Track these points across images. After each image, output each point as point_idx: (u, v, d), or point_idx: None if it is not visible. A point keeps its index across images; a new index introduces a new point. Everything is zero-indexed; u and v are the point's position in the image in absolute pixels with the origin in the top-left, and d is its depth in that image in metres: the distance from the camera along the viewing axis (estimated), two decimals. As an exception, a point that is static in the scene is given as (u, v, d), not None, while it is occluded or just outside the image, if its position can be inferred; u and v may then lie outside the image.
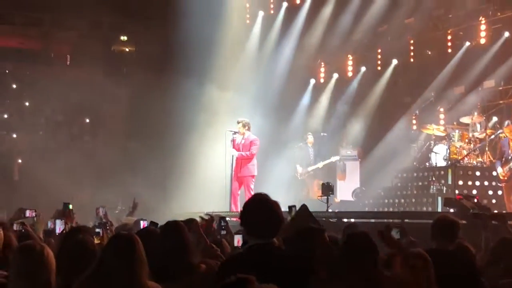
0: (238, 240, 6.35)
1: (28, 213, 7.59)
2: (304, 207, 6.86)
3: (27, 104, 26.62)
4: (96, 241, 5.51)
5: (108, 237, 6.27)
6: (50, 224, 6.93)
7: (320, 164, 17.83)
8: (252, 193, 13.28)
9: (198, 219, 6.70)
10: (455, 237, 5.93)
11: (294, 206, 7.53)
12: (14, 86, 26.73)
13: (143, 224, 7.63)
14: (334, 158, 17.98)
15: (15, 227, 5.58)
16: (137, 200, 19.08)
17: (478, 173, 14.45)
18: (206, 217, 7.24)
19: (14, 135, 25.51)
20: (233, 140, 14.47)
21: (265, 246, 4.20)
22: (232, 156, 14.46)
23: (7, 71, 27.17)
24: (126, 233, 4.40)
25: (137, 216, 11.21)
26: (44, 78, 26.84)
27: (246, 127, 14.53)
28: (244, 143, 14.44)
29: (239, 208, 13.77)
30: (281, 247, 4.49)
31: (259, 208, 4.31)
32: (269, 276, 3.37)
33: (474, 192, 13.65)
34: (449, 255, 5.48)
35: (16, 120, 26.15)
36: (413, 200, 15.23)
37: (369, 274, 4.40)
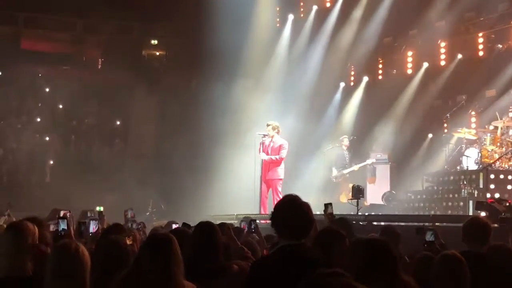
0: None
1: (62, 213, 7.68)
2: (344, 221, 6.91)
3: (59, 107, 26.94)
4: (128, 241, 5.56)
5: (141, 238, 6.33)
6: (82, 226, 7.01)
7: (356, 167, 17.79)
8: (280, 196, 13.27)
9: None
10: (487, 239, 5.83)
11: (330, 203, 7.62)
12: (47, 89, 27.09)
13: (174, 227, 7.67)
14: (369, 161, 17.94)
15: (51, 227, 5.68)
16: (164, 205, 19.25)
17: (510, 177, 14.32)
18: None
19: (47, 138, 25.82)
20: (262, 143, 14.48)
21: (295, 247, 4.20)
22: (262, 159, 14.48)
23: (40, 75, 27.53)
24: (163, 233, 4.46)
25: (168, 219, 11.28)
26: (75, 81, 27.17)
27: (276, 130, 14.50)
28: (273, 146, 14.43)
29: (268, 211, 13.79)
30: (311, 248, 4.48)
31: (290, 209, 4.31)
32: (299, 277, 3.37)
33: (506, 196, 13.50)
34: (482, 258, 5.41)
35: (48, 122, 26.46)
36: (444, 203, 15.10)
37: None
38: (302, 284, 2.43)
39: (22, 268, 4.30)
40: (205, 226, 5.31)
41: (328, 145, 19.00)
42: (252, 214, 12.62)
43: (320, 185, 18.37)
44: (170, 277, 4.12)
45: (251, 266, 4.45)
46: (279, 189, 14.32)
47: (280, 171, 14.56)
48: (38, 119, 26.45)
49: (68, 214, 7.93)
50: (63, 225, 5.75)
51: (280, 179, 14.54)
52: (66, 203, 17.96)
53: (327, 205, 7.76)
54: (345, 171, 17.78)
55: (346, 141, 18.08)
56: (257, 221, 7.54)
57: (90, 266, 4.10)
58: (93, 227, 6.52)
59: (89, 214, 8.84)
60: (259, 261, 4.59)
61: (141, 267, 4.15)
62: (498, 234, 7.00)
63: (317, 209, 12.92)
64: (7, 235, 4.48)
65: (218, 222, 6.73)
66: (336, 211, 8.08)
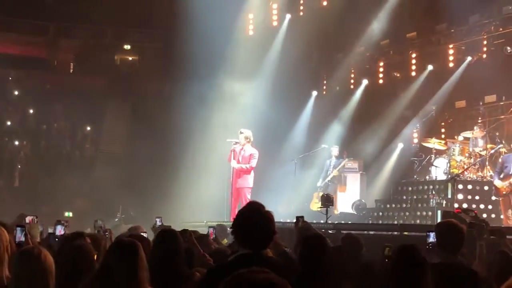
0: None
1: (28, 219, 7.63)
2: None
3: (29, 111, 26.70)
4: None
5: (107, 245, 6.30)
6: (50, 230, 6.98)
7: (335, 171, 17.86)
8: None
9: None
10: (461, 248, 5.55)
11: (302, 216, 7.54)
12: (17, 93, 26.83)
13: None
14: (345, 160, 17.97)
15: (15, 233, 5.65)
16: (134, 211, 19.08)
17: (477, 187, 14.48)
18: None
19: (16, 142, 25.57)
20: (233, 150, 14.48)
21: (253, 256, 4.10)
22: (232, 167, 14.48)
23: (10, 78, 27.27)
24: (129, 239, 4.45)
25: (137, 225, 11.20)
26: (47, 85, 26.97)
27: (247, 140, 14.50)
28: (243, 155, 14.43)
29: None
30: (271, 257, 4.42)
31: (250, 218, 4.21)
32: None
33: (474, 206, 13.66)
34: (458, 269, 5.21)
35: (18, 127, 26.22)
36: (413, 213, 15.23)
37: None
38: (221, 283, 2.41)
39: None
40: (166, 233, 5.28)
41: (298, 153, 19.08)
42: (224, 222, 12.62)
43: (290, 193, 18.42)
44: (136, 282, 4.11)
45: (206, 273, 4.38)
46: (248, 197, 14.33)
47: (250, 179, 14.58)
48: (8, 123, 26.20)
49: (35, 220, 7.88)
50: (19, 234, 5.69)
51: (250, 188, 14.57)
52: (35, 208, 17.83)
53: (299, 218, 7.60)
54: (327, 179, 17.87)
55: (335, 151, 18.09)
56: (230, 229, 7.51)
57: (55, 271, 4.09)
58: (59, 230, 6.49)
59: (63, 222, 8.79)
60: (213, 269, 4.54)
61: (107, 272, 4.14)
62: (468, 242, 7.00)
63: (288, 217, 12.98)
64: None
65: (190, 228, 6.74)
66: (306, 219, 8.04)
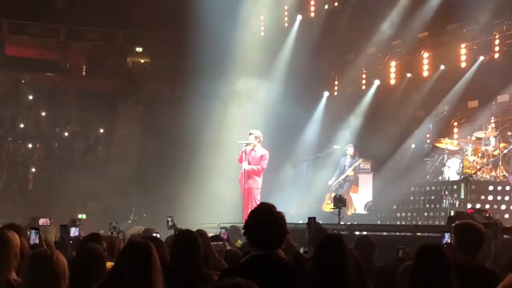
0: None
1: (41, 221, 7.67)
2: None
3: (42, 114, 26.84)
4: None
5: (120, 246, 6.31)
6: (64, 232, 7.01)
7: (349, 170, 17.73)
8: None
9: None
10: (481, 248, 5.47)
11: (314, 217, 7.54)
12: (30, 96, 26.98)
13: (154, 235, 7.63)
14: (359, 162, 17.85)
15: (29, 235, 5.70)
16: (146, 213, 19.11)
17: (491, 188, 14.39)
18: None
19: (30, 145, 25.70)
20: (244, 152, 14.45)
21: (265, 257, 4.12)
22: (244, 168, 14.48)
23: (23, 81, 27.43)
24: (142, 241, 4.43)
25: (150, 227, 11.24)
26: (59, 88, 27.10)
27: (258, 140, 14.48)
28: (254, 156, 14.41)
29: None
30: (283, 258, 4.42)
31: (262, 219, 4.23)
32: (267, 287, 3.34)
33: (487, 206, 13.59)
34: (479, 269, 5.17)
35: (31, 129, 26.35)
36: (425, 214, 15.18)
37: None
38: None
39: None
40: (187, 235, 5.26)
41: (310, 154, 19.06)
42: (237, 223, 12.62)
43: (302, 194, 18.39)
44: (149, 284, 4.10)
45: (220, 274, 4.39)
46: (258, 197, 14.33)
47: (259, 180, 14.57)
48: (22, 126, 26.34)
49: (49, 222, 7.91)
50: (34, 236, 5.73)
51: (259, 188, 14.56)
52: (48, 211, 17.95)
53: (311, 219, 7.61)
54: (340, 178, 17.77)
55: (350, 150, 17.99)
56: (243, 230, 7.53)
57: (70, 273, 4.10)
58: (73, 232, 6.52)
59: (77, 223, 8.87)
60: (228, 270, 4.54)
61: (120, 274, 4.14)
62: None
63: (300, 219, 12.96)
64: None
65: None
66: (318, 220, 8.03)
